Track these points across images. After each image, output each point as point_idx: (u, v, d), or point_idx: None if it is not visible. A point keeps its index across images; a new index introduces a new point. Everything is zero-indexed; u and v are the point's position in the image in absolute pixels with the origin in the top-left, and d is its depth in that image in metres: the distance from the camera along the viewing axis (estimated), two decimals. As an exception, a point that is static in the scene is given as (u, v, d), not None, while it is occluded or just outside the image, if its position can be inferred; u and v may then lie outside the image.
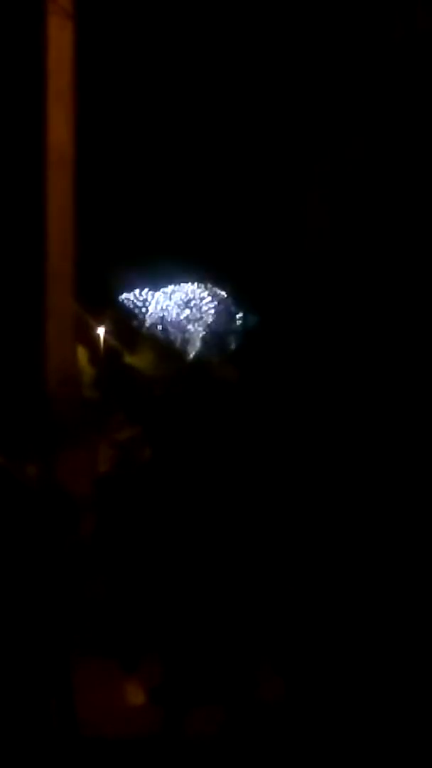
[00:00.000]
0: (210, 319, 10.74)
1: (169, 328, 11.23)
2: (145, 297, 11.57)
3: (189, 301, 11.24)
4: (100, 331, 10.97)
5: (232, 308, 10.55)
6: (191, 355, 10.03)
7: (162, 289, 11.52)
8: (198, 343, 10.28)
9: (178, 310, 11.28)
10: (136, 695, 5.42)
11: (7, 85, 10.15)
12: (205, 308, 10.97)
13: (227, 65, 11.30)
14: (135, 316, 11.50)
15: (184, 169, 11.78)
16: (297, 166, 9.76)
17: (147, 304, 11.53)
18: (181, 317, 11.18)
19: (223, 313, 10.69)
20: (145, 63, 11.63)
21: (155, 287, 11.61)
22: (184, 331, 10.97)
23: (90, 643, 5.56)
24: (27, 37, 9.80)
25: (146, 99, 11.74)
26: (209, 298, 10.98)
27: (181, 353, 10.45)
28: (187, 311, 11.20)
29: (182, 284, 11.41)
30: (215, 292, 10.93)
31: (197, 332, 10.62)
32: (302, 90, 9.88)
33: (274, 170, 10.67)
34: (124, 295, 11.48)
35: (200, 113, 11.71)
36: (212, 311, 10.86)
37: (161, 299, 11.48)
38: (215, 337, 9.87)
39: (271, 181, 10.73)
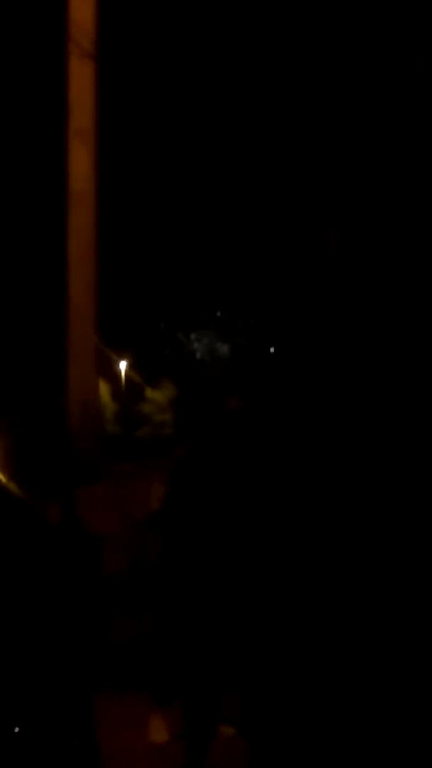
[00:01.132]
0: (228, 354, 10.73)
1: (190, 363, 11.24)
2: (166, 332, 11.60)
3: (207, 336, 11.26)
4: (122, 365, 11.00)
5: (251, 343, 10.55)
6: (209, 389, 10.00)
7: (182, 325, 11.56)
8: (217, 377, 10.25)
9: (198, 345, 11.29)
10: (159, 733, 5.37)
11: (30, 123, 10.27)
12: (222, 343, 10.98)
13: (248, 101, 11.40)
14: (156, 350, 11.52)
15: (206, 206, 11.87)
16: (316, 204, 9.78)
17: (168, 339, 11.56)
18: (201, 352, 11.19)
19: (242, 347, 10.68)
20: (167, 99, 11.75)
21: (175, 322, 11.64)
22: (204, 365, 10.97)
23: (114, 680, 5.52)
24: (49, 77, 9.94)
25: (167, 135, 11.86)
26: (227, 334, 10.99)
27: (202, 388, 10.42)
28: (206, 346, 11.21)
29: (201, 319, 11.44)
30: (233, 327, 10.94)
31: (216, 366, 10.61)
32: (322, 127, 9.94)
33: (292, 207, 10.72)
34: (146, 330, 11.53)
35: (222, 148, 11.80)
36: (230, 346, 10.86)
37: (182, 335, 11.50)
38: (232, 370, 9.84)
39: (290, 218, 10.77)
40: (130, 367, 11.10)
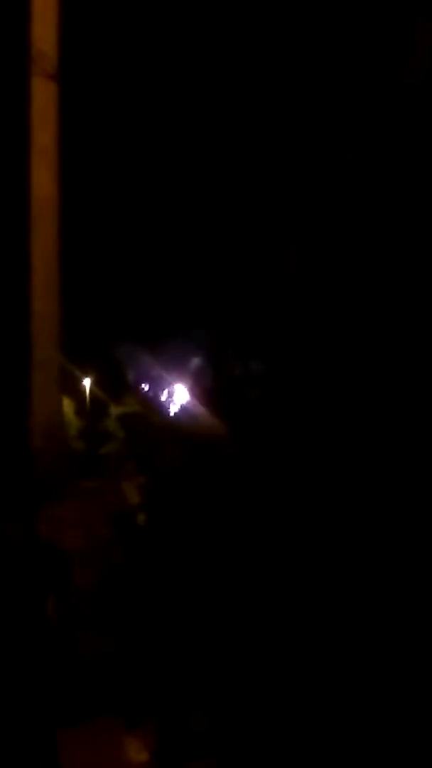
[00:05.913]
0: (196, 372, 10.79)
1: (156, 380, 11.28)
2: (132, 349, 11.63)
3: (175, 353, 11.31)
4: (87, 382, 11.02)
5: (218, 360, 10.62)
6: (177, 407, 10.06)
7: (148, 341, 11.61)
8: (185, 395, 10.33)
9: (165, 363, 11.35)
10: (138, 752, 5.40)
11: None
12: (191, 360, 11.04)
13: (211, 120, 11.50)
14: (122, 367, 11.54)
15: (170, 221, 11.94)
16: (277, 223, 9.89)
17: (134, 355, 11.59)
18: (167, 369, 11.24)
19: (210, 365, 10.75)
20: (132, 116, 11.82)
21: (142, 339, 11.68)
22: (171, 383, 11.02)
23: (90, 702, 5.54)
24: (10, 95, 9.99)
25: (132, 152, 11.93)
26: (195, 351, 11.06)
27: (167, 405, 10.48)
28: (173, 363, 11.27)
29: (167, 337, 11.50)
30: (201, 344, 11.01)
31: (184, 384, 10.67)
32: (283, 143, 10.05)
33: (255, 224, 10.81)
34: (111, 347, 11.55)
35: (184, 163, 11.88)
36: (198, 363, 10.92)
37: (148, 351, 11.55)
38: (202, 389, 9.92)
39: (253, 235, 10.86)
40: (94, 383, 11.11)
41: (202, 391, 9.70)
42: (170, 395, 10.78)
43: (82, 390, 11.12)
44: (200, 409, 8.88)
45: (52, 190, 9.96)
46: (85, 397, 11.09)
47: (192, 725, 5.18)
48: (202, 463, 6.10)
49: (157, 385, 11.13)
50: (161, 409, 10.60)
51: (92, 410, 10.99)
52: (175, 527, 5.63)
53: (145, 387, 11.31)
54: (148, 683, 5.44)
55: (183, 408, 9.89)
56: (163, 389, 10.99)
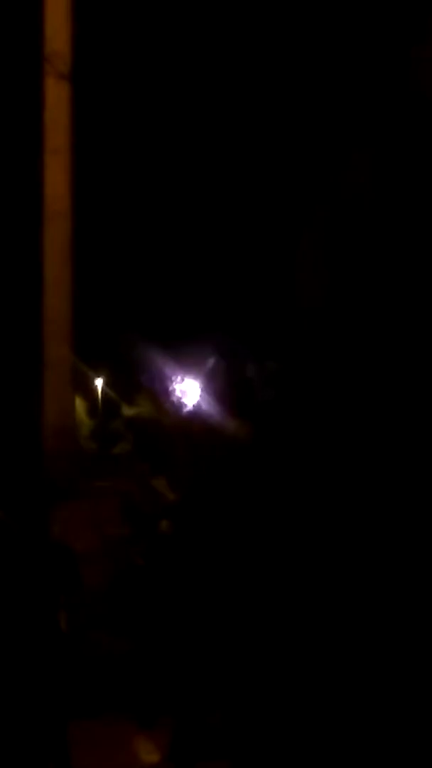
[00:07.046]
0: (209, 373, 10.79)
1: (167, 380, 11.27)
2: (144, 349, 11.64)
3: (188, 353, 11.30)
4: (98, 382, 11.03)
5: (231, 361, 10.61)
6: (190, 408, 10.04)
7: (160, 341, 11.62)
8: (198, 396, 10.31)
9: (177, 363, 11.34)
10: (149, 753, 5.39)
11: (5, 142, 10.32)
12: (204, 361, 11.02)
13: (222, 119, 11.49)
14: (133, 367, 11.54)
15: (183, 221, 11.93)
16: (293, 218, 9.87)
17: (146, 356, 11.60)
18: (179, 370, 11.24)
19: (223, 366, 10.74)
20: (143, 115, 11.83)
21: (155, 339, 11.69)
22: (183, 383, 11.02)
23: (104, 701, 5.54)
24: (25, 96, 10.01)
25: (145, 153, 11.94)
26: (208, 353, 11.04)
27: (180, 406, 10.47)
28: (186, 364, 11.26)
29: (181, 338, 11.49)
30: (214, 346, 11.00)
31: (196, 385, 10.66)
32: (298, 142, 10.03)
33: (270, 219, 10.79)
34: (124, 347, 11.56)
35: (199, 163, 11.88)
36: (211, 364, 10.91)
37: (161, 352, 11.56)
38: (215, 390, 9.91)
39: (266, 234, 10.85)
40: (106, 383, 11.12)
41: (215, 391, 9.68)
42: (183, 395, 10.78)
43: (94, 390, 11.13)
44: (213, 410, 8.85)
45: (65, 189, 9.95)
46: (97, 398, 11.09)
47: (208, 725, 5.17)
48: (223, 465, 6.09)
49: (170, 386, 11.13)
50: (174, 409, 10.59)
51: (104, 410, 11.00)
52: (198, 527, 5.62)
53: (158, 387, 11.30)
54: (162, 682, 5.44)
55: (196, 408, 9.87)
56: (176, 390, 10.99)
